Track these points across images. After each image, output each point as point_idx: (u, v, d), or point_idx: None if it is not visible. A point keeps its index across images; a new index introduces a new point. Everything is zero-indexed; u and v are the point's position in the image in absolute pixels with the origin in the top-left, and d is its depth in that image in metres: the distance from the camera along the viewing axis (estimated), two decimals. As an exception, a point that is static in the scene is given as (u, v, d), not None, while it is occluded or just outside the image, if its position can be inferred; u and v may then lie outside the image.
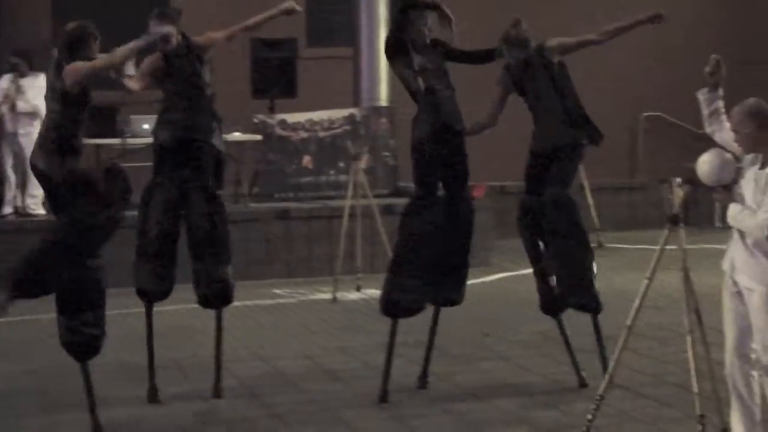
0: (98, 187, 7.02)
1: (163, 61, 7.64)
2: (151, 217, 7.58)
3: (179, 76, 7.62)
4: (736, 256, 5.80)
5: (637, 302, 6.15)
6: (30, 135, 12.22)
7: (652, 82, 17.61)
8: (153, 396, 7.57)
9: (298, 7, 7.92)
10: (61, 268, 6.87)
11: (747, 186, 5.73)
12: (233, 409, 7.42)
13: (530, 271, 8.04)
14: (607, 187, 16.16)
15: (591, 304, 7.64)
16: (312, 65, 15.87)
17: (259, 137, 13.94)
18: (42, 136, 7.07)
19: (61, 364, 7.52)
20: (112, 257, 7.27)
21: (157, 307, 7.80)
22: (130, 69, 7.50)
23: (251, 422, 7.15)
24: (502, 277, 12.67)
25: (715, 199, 5.99)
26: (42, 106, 12.49)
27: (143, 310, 7.72)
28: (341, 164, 13.99)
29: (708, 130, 6.08)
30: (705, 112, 6.07)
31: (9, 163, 12.98)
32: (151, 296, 7.67)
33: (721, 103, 6.05)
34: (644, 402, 7.33)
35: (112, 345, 8.08)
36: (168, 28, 7.52)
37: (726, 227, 5.97)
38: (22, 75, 12.92)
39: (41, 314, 8.74)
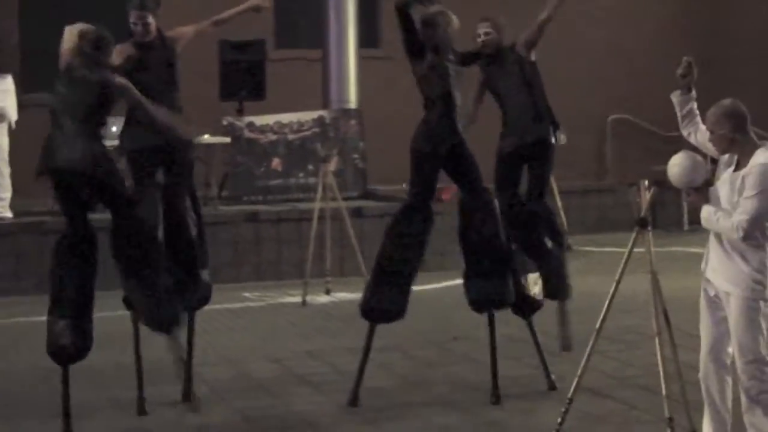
0: None
1: (136, 51, 7.49)
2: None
3: (154, 68, 7.49)
4: (713, 258, 5.78)
5: (605, 305, 6.17)
6: (-4, 136, 12.18)
7: (619, 86, 17.68)
8: (141, 407, 7.45)
9: (267, 3, 7.90)
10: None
11: (722, 188, 5.72)
12: (203, 414, 7.38)
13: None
14: (575, 190, 16.20)
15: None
16: (280, 67, 15.84)
17: (227, 140, 13.90)
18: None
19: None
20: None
21: (118, 311, 7.74)
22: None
23: (221, 427, 7.12)
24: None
25: (686, 201, 6.00)
26: (8, 108, 12.48)
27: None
28: (310, 167, 13.98)
29: (684, 132, 6.06)
30: (679, 114, 6.05)
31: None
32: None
33: (695, 105, 6.03)
34: (613, 405, 7.35)
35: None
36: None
37: (693, 230, 6.01)
38: (-11, 77, 12.81)
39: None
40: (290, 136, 14.31)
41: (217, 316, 10.61)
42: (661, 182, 6.09)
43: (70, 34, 7.17)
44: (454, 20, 7.56)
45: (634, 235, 6.05)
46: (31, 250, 11.98)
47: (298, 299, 11.45)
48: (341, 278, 12.16)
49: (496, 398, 7.44)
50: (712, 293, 5.80)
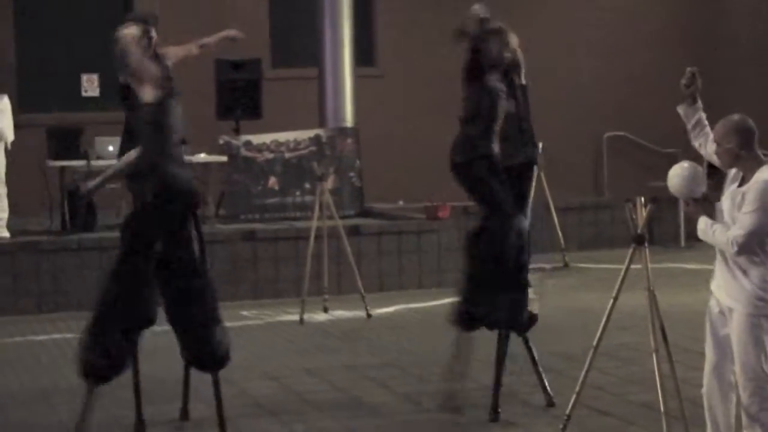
0: None
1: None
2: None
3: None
4: (718, 274, 5.76)
5: (603, 321, 6.18)
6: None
7: (615, 103, 17.71)
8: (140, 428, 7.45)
9: (240, 35, 7.99)
10: None
11: (725, 202, 5.72)
12: (200, 432, 7.38)
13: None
14: (572, 206, 16.22)
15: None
16: (277, 86, 15.87)
17: (224, 158, 13.92)
18: None
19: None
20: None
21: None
22: None
23: (218, 445, 7.12)
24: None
25: (684, 212, 5.98)
26: (4, 128, 12.49)
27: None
28: (307, 185, 14.00)
29: (695, 144, 6.01)
30: (688, 126, 6.02)
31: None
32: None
33: (703, 115, 6.00)
34: (611, 421, 7.34)
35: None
36: None
37: (690, 246, 6.00)
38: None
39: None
40: (287, 155, 14.33)
41: (215, 334, 10.58)
42: (657, 199, 6.10)
43: None
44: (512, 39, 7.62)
45: (630, 251, 6.06)
46: (28, 270, 11.98)
47: (295, 317, 11.45)
48: (339, 296, 12.16)
49: (495, 415, 7.43)
50: (717, 309, 5.77)
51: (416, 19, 16.98)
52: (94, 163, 12.68)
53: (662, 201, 6.09)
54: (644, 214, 6.02)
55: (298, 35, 16.89)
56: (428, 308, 11.48)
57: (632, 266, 6.03)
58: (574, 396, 6.31)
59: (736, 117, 5.70)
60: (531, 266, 7.85)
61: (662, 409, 5.95)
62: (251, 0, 16.67)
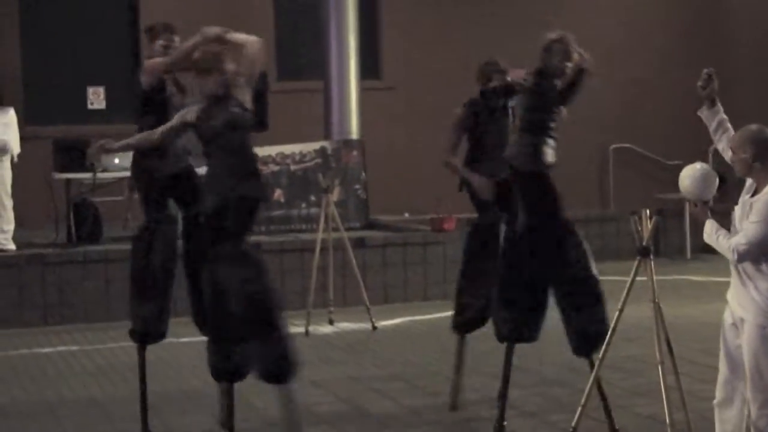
0: None
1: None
2: (154, 259, 7.47)
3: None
4: (732, 284, 5.74)
5: (608, 333, 6.17)
6: (-2, 170, 12.22)
7: (620, 114, 17.71)
8: None
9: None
10: None
11: (737, 211, 5.72)
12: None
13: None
14: (578, 218, 16.14)
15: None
16: (282, 98, 15.86)
17: (230, 171, 13.92)
18: None
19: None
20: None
21: (121, 342, 7.72)
22: None
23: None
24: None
25: (690, 213, 5.93)
26: (10, 141, 12.52)
27: (94, 346, 7.60)
28: (312, 197, 14.00)
29: (718, 146, 5.95)
30: (710, 129, 5.98)
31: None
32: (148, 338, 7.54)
33: (724, 117, 5.95)
34: (617, 433, 7.33)
35: (84, 380, 8.03)
36: None
37: (696, 258, 5.99)
38: (-9, 110, 12.84)
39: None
40: (292, 167, 14.35)
41: (220, 347, 10.58)
42: (662, 211, 6.09)
43: None
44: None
45: (636, 263, 6.06)
46: (33, 282, 11.98)
47: (301, 329, 11.43)
48: (344, 308, 12.15)
49: (500, 428, 7.41)
50: (730, 321, 5.75)
51: (422, 33, 17.01)
52: (100, 175, 12.70)
53: (668, 213, 6.09)
54: (650, 226, 6.01)
55: (303, 48, 16.93)
56: (433, 320, 11.46)
57: (638, 278, 6.02)
58: (579, 408, 6.30)
59: (753, 127, 5.67)
60: None
61: (668, 421, 5.93)
62: (257, 12, 16.69)
